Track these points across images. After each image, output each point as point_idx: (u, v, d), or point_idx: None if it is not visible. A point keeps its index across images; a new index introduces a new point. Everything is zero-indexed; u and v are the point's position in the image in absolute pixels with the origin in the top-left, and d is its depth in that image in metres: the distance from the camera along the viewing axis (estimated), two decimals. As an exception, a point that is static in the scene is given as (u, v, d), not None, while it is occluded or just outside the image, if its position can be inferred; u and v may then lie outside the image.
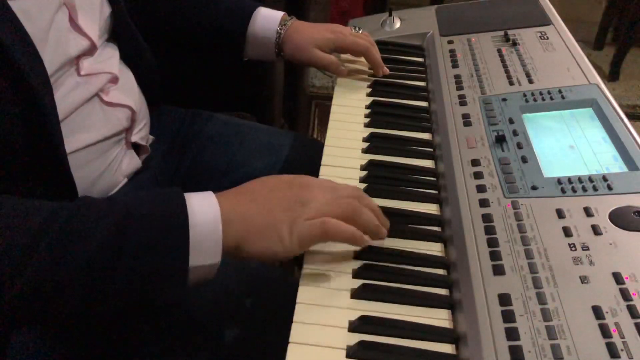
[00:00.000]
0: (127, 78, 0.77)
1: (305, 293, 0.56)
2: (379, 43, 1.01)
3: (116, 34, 0.76)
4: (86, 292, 0.48)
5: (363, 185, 0.70)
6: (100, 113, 0.69)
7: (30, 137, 0.57)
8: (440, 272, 0.60)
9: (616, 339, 0.47)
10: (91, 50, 0.68)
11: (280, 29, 0.88)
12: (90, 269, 0.47)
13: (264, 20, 0.88)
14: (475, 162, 0.68)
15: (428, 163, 0.76)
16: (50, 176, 0.60)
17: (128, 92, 0.75)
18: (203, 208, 0.52)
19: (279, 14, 0.89)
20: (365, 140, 0.79)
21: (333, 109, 0.85)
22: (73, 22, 0.65)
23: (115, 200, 0.52)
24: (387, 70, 0.92)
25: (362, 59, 0.95)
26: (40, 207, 0.49)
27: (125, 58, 0.77)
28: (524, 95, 0.78)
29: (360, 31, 0.95)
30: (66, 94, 0.64)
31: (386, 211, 0.66)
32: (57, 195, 0.61)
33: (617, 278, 0.52)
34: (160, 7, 0.88)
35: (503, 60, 0.86)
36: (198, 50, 0.95)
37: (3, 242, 0.46)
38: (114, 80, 0.72)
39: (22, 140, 0.57)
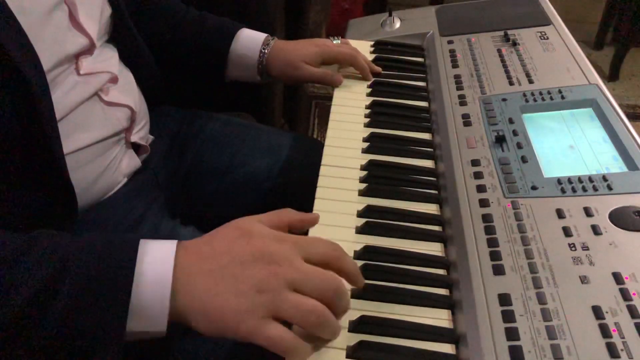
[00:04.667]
0: (127, 78, 0.77)
1: (305, 293, 0.56)
2: (379, 43, 1.01)
3: (116, 34, 0.76)
4: (9, 342, 0.46)
5: (363, 185, 0.70)
6: (100, 113, 0.69)
7: (26, 136, 0.56)
8: (440, 272, 0.60)
9: (616, 339, 0.47)
10: (90, 49, 0.68)
11: (263, 49, 0.88)
12: (18, 319, 0.45)
13: (247, 40, 0.89)
14: (475, 162, 0.68)
15: (428, 163, 0.76)
16: (46, 177, 0.59)
17: (128, 92, 0.75)
18: (155, 269, 0.47)
19: (262, 35, 0.90)
20: (365, 140, 0.79)
21: (333, 109, 0.85)
22: (73, 19, 0.64)
23: (58, 245, 0.48)
24: (377, 69, 0.93)
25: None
26: None
27: (125, 58, 0.77)
28: (524, 95, 0.78)
29: (339, 41, 0.96)
30: (65, 94, 0.63)
31: (386, 211, 0.66)
32: (53, 196, 0.60)
33: (617, 278, 0.52)
34: (147, 17, 0.88)
35: (503, 60, 0.86)
36: (182, 67, 0.94)
37: None
38: (114, 80, 0.72)
39: (18, 139, 0.56)
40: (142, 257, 0.47)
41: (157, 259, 0.48)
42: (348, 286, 0.54)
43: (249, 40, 0.89)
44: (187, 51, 0.90)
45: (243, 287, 0.47)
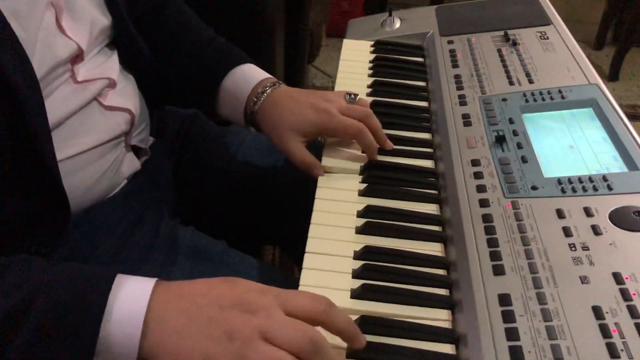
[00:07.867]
0: (127, 82, 0.76)
1: (305, 293, 0.56)
2: (379, 43, 1.01)
3: (117, 39, 0.74)
4: None
5: (363, 186, 0.70)
6: (99, 117, 0.68)
7: (16, 144, 0.55)
8: (440, 272, 0.60)
9: (616, 339, 0.47)
10: (80, 55, 0.65)
11: (256, 98, 0.76)
12: None
13: (240, 77, 0.78)
14: (475, 162, 0.68)
15: (428, 163, 0.75)
16: (38, 184, 0.59)
17: (127, 95, 0.74)
18: (127, 307, 0.46)
19: (259, 75, 0.78)
20: (365, 140, 0.79)
21: (333, 109, 0.85)
22: (59, 23, 0.63)
23: (30, 275, 0.47)
24: (390, 145, 0.76)
25: (360, 59, 0.95)
26: None
27: (126, 62, 0.76)
28: (524, 95, 0.78)
29: (357, 99, 0.78)
30: (61, 102, 0.62)
31: (386, 211, 0.66)
32: (45, 202, 0.60)
33: (617, 278, 0.52)
34: (153, 26, 0.83)
35: (503, 60, 0.86)
36: (179, 87, 0.84)
37: None
38: (112, 85, 0.71)
39: (7, 146, 0.55)
40: (115, 292, 0.47)
41: (131, 296, 0.47)
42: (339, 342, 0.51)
43: (244, 78, 0.78)
44: (184, 72, 0.82)
45: (215, 332, 0.46)
